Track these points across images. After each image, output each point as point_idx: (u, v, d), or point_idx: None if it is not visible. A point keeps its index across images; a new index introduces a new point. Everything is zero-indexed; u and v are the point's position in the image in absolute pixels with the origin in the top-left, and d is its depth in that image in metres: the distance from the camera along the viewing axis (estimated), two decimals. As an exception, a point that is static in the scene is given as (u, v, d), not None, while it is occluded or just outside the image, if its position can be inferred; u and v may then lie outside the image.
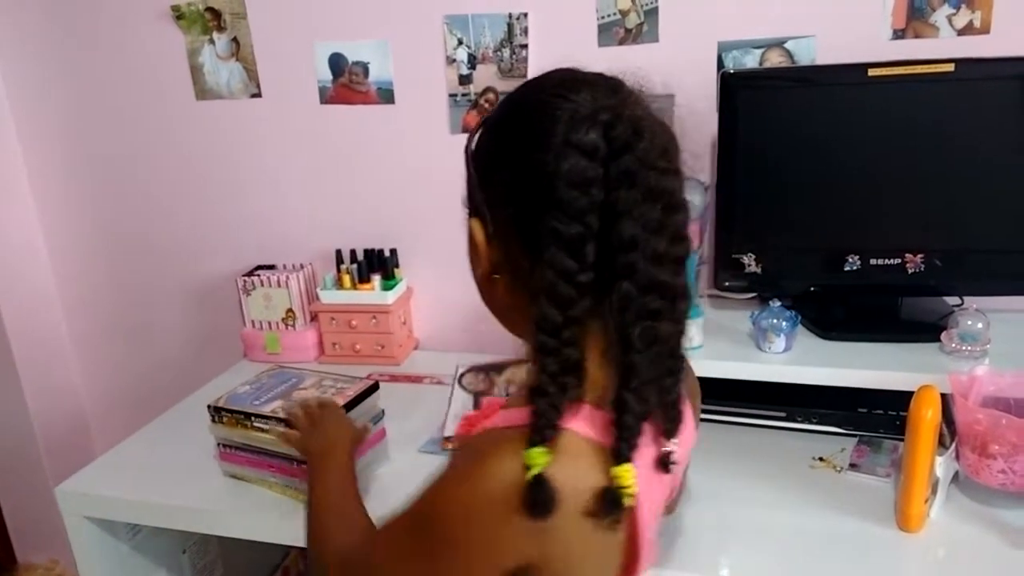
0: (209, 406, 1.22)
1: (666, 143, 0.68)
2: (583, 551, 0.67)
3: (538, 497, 0.62)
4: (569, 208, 0.64)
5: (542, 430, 0.63)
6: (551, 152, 0.65)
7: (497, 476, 0.63)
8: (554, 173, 0.64)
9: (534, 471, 0.61)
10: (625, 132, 0.65)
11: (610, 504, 0.64)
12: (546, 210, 0.64)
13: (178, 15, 1.69)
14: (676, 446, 0.73)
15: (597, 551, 0.68)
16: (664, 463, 0.71)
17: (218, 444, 1.25)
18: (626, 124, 0.65)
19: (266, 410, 1.18)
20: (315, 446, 1.03)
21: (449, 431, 1.31)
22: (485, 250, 0.73)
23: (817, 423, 1.33)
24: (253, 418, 1.17)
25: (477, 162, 0.74)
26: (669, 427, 0.72)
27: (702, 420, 1.37)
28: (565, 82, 0.70)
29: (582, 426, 0.66)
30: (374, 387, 1.25)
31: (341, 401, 1.17)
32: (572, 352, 0.65)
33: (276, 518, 1.17)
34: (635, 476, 0.65)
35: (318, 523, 0.91)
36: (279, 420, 1.13)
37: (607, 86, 0.70)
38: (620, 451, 0.65)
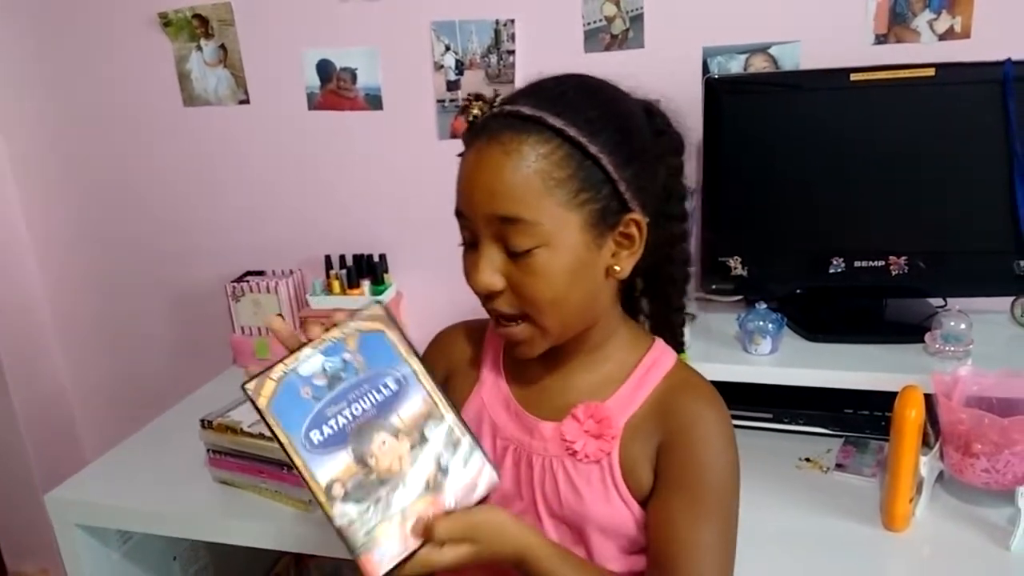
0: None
1: None
2: None
3: None
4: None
5: None
6: (657, 142, 0.82)
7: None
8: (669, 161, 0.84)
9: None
10: None
11: None
12: (676, 188, 0.84)
13: (165, 22, 1.69)
14: None
15: None
16: None
17: (208, 450, 1.25)
18: None
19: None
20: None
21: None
22: (640, 244, 0.78)
23: (803, 424, 1.35)
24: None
25: (617, 161, 0.74)
26: None
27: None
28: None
29: None
30: None
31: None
32: None
33: (267, 523, 1.18)
34: None
35: None
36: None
37: None
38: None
